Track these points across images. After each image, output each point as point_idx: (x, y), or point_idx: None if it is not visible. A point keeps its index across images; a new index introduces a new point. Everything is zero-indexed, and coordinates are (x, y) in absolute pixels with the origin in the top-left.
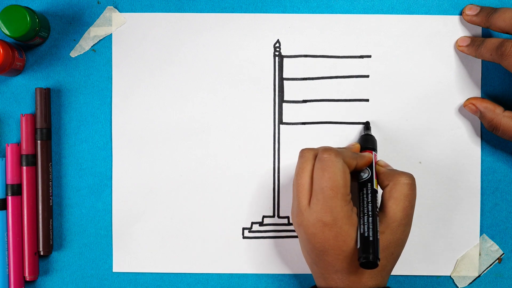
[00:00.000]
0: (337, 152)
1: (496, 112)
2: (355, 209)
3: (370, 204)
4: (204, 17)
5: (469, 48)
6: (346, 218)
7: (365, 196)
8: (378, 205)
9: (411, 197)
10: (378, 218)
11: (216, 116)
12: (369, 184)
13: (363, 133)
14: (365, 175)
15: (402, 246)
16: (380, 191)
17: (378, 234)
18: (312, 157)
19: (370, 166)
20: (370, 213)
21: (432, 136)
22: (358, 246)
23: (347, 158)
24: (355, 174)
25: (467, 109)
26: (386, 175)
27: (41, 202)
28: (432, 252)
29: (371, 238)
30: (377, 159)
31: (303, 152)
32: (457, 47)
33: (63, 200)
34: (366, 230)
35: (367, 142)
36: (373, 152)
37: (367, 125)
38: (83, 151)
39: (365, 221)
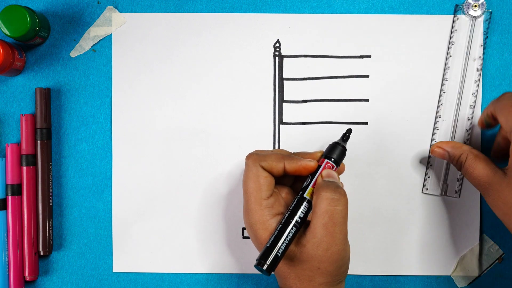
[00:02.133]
0: (256, 157)
1: (462, 149)
2: (278, 217)
3: (288, 212)
4: (204, 17)
5: (480, 124)
6: (260, 223)
7: (293, 203)
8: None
9: (331, 213)
10: (293, 228)
11: (216, 116)
12: (301, 192)
13: (336, 141)
14: (305, 183)
15: (333, 264)
16: None
17: (283, 244)
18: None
19: (313, 174)
20: (283, 221)
21: (432, 136)
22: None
23: (269, 161)
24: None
25: (434, 154)
26: (318, 187)
27: (41, 202)
28: (432, 252)
29: (268, 245)
30: (329, 170)
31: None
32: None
33: (63, 200)
34: (270, 240)
35: (329, 151)
36: (329, 163)
37: (345, 135)
38: (83, 151)
39: (277, 228)
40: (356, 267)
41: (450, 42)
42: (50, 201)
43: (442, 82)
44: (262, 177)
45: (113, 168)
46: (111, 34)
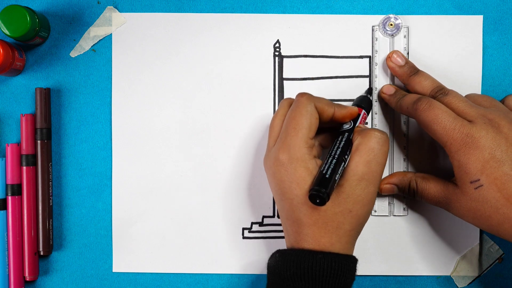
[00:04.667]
0: (310, 96)
1: (408, 176)
2: (318, 161)
3: (339, 150)
4: (204, 17)
5: (391, 98)
6: (301, 161)
7: (337, 142)
8: None
9: (377, 151)
10: (343, 165)
11: (216, 116)
12: (347, 134)
13: (363, 94)
14: (346, 126)
15: (365, 206)
16: None
17: (337, 176)
18: (288, 104)
19: (355, 120)
20: (336, 156)
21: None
22: (313, 181)
23: (321, 104)
24: (336, 129)
25: (384, 192)
26: (359, 131)
27: (41, 202)
28: (432, 252)
29: (327, 176)
30: (365, 119)
31: (282, 100)
32: (381, 93)
33: (63, 200)
34: (325, 168)
35: (360, 101)
36: (363, 111)
37: (369, 90)
38: (83, 151)
39: (328, 161)
40: None
41: (450, 42)
42: (50, 201)
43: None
44: (314, 117)
45: (113, 168)
46: (111, 34)
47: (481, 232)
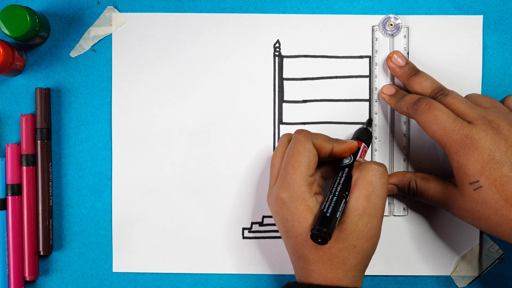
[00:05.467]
0: (308, 133)
1: (408, 177)
2: (319, 198)
3: (339, 186)
4: (204, 17)
5: (391, 98)
6: (302, 199)
7: (338, 178)
8: None
9: (375, 184)
10: (344, 201)
11: (216, 116)
12: (347, 169)
13: (363, 127)
14: (346, 161)
15: (368, 241)
16: None
17: (339, 214)
18: (287, 140)
19: (354, 154)
20: (336, 193)
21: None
22: (315, 220)
23: (318, 140)
24: (337, 161)
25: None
26: (357, 166)
27: (41, 202)
28: (432, 252)
29: (328, 214)
30: (365, 153)
31: (282, 136)
32: (381, 94)
33: (63, 200)
34: (326, 207)
35: (360, 134)
36: (363, 144)
37: (369, 122)
38: (83, 151)
39: (329, 199)
40: None
41: (450, 42)
42: (50, 201)
43: (442, 82)
44: (313, 154)
45: (113, 168)
46: (111, 34)
47: (481, 232)
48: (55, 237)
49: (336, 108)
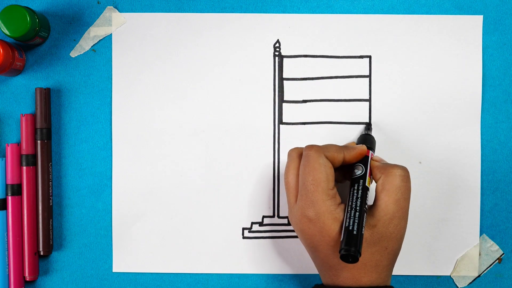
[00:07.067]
0: (318, 147)
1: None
2: (342, 206)
3: (359, 200)
4: (204, 17)
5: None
6: (328, 213)
7: (355, 191)
8: (370, 202)
9: (403, 189)
10: (365, 215)
11: (216, 116)
12: (361, 180)
13: (363, 133)
14: (358, 172)
15: (398, 241)
16: (373, 186)
17: (363, 229)
18: (297, 155)
19: (364, 163)
20: (358, 208)
21: (432, 136)
22: (341, 239)
23: (330, 152)
24: (349, 171)
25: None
26: (379, 168)
27: (41, 202)
28: (432, 252)
29: (354, 232)
30: (377, 156)
31: (290, 151)
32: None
33: (63, 200)
34: (351, 224)
35: (364, 141)
36: (370, 152)
37: (368, 126)
38: (83, 151)
39: (351, 215)
40: None
41: (450, 42)
42: (50, 201)
43: (442, 82)
44: (328, 168)
45: (113, 168)
46: (111, 34)
47: (481, 232)
48: (55, 237)
49: (336, 108)
